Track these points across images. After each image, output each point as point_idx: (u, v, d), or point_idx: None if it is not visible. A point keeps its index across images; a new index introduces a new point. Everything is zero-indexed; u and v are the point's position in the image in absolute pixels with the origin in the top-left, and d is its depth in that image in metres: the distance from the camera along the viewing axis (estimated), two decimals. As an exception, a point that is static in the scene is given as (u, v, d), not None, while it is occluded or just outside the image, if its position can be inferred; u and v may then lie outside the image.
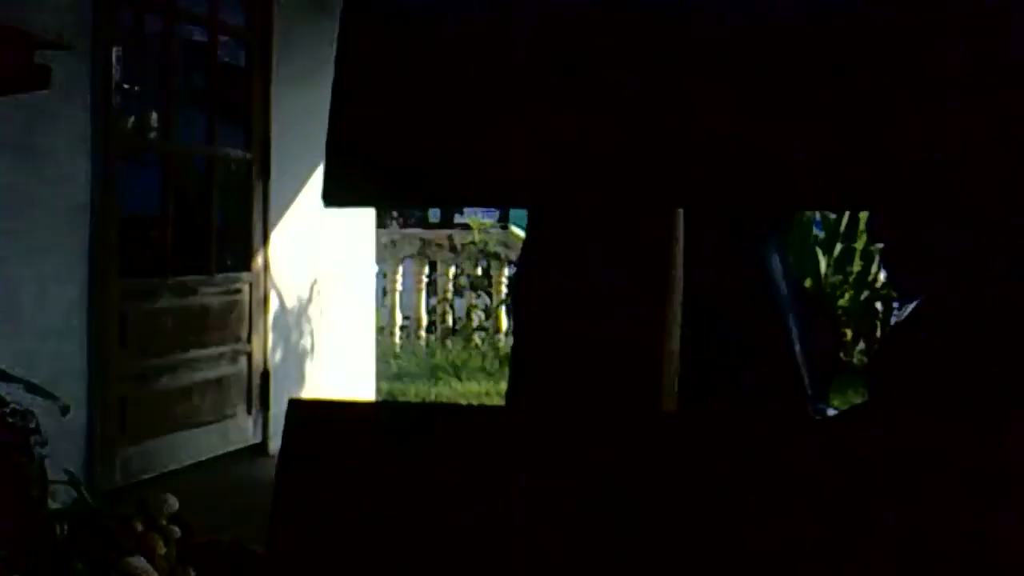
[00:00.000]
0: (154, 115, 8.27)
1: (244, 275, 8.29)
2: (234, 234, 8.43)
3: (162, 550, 5.19)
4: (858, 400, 6.04)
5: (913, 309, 5.33)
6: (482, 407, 1.31)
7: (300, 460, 1.13)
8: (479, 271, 13.92)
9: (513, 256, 12.95)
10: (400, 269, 13.80)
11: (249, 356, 8.32)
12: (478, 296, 13.95)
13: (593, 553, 1.02)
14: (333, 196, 1.20)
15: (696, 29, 1.21)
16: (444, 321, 13.93)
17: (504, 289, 13.32)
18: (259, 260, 8.36)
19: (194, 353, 7.76)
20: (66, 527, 4.87)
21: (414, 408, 1.18)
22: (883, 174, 1.11)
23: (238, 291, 8.22)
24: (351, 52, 1.20)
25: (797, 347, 6.08)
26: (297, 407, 1.15)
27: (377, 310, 11.65)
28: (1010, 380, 4.90)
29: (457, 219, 17.48)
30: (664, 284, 1.10)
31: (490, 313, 13.62)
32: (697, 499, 1.01)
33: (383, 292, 13.45)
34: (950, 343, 5.11)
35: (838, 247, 12.04)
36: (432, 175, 1.20)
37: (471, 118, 1.20)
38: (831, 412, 6.12)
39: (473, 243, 13.79)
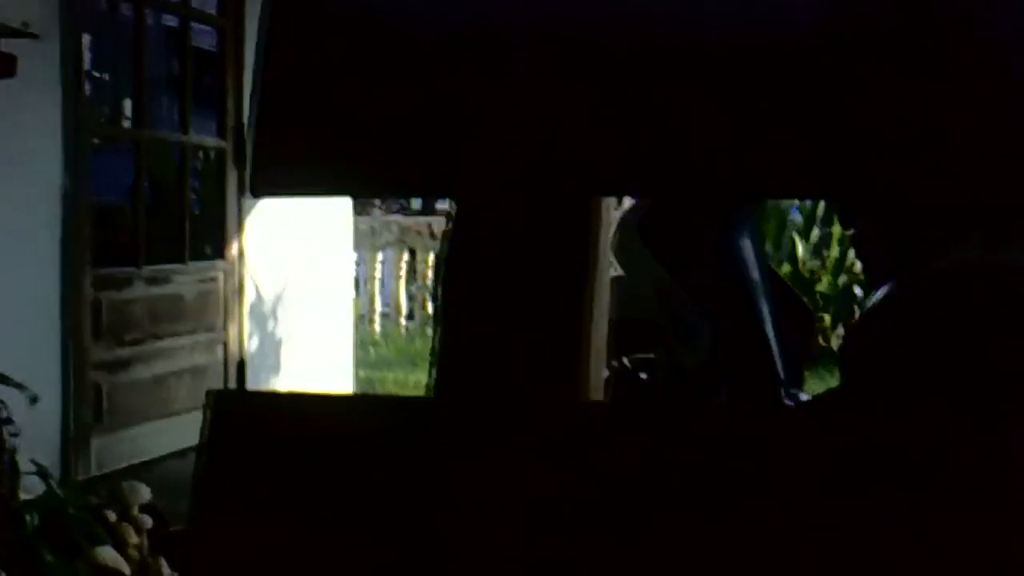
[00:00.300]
0: (128, 103, 8.24)
1: (219, 263, 8.27)
2: (209, 222, 8.41)
3: (134, 540, 5.18)
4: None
5: (883, 294, 5.35)
6: (405, 398, 1.30)
7: (221, 455, 1.11)
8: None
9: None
10: (380, 256, 13.78)
11: (225, 345, 8.30)
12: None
13: (511, 546, 1.01)
14: (261, 186, 1.19)
15: (637, 18, 1.20)
16: (424, 308, 13.92)
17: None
18: (234, 248, 8.33)
19: (169, 342, 7.74)
20: (36, 517, 4.85)
21: (339, 399, 1.17)
22: (850, 163, 1.11)
23: (213, 279, 8.20)
24: (276, 39, 1.19)
25: (771, 333, 6.10)
26: (218, 399, 1.14)
27: (356, 298, 11.64)
28: (979, 365, 4.91)
29: (440, 206, 17.47)
30: (583, 275, 1.09)
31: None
32: (614, 491, 1.00)
33: (364, 280, 13.43)
34: (920, 328, 5.13)
35: (815, 232, 12.05)
36: (360, 165, 1.19)
37: (398, 108, 1.19)
38: (804, 397, 6.15)
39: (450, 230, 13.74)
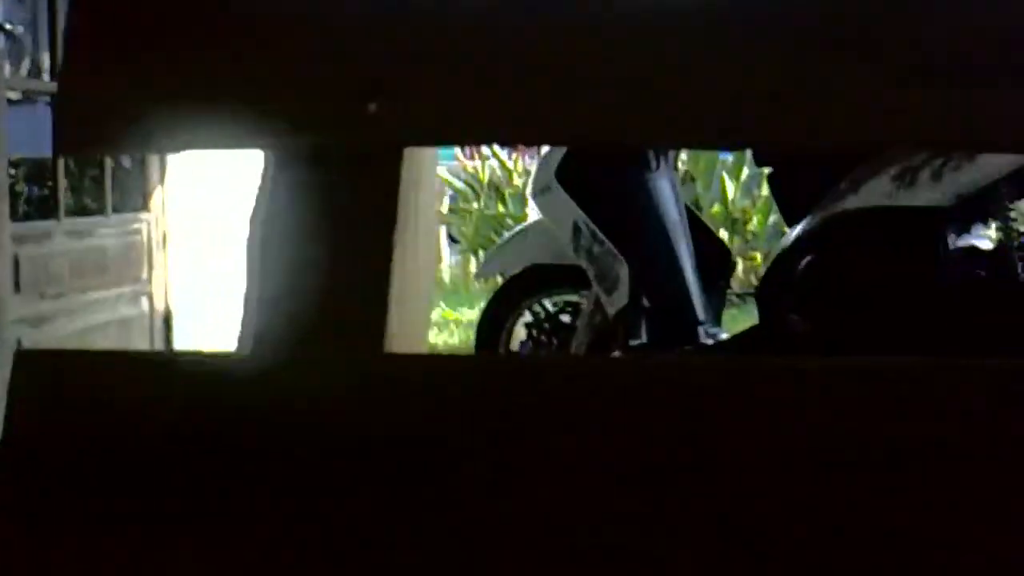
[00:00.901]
0: (47, 56, 8.14)
1: (143, 215, 8.21)
2: (132, 173, 8.34)
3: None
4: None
5: (796, 234, 5.40)
6: (215, 353, 1.27)
7: (26, 419, 1.10)
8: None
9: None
10: (312, 204, 13.69)
11: (150, 297, 8.26)
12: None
13: (311, 504, 1.02)
14: (63, 146, 1.18)
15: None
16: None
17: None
18: (158, 199, 8.27)
19: (92, 295, 7.69)
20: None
21: (148, 356, 1.15)
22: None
23: (137, 232, 8.14)
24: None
25: (688, 272, 6.14)
26: (20, 361, 1.12)
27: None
28: (886, 300, 4.96)
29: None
30: (386, 226, 1.08)
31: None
32: (410, 445, 1.00)
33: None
34: (829, 266, 5.18)
35: (745, 172, 12.07)
36: (167, 119, 1.18)
37: (202, 62, 1.18)
38: (723, 335, 6.18)
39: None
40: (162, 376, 1.15)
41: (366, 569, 0.96)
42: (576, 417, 0.98)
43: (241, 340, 1.13)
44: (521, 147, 13.55)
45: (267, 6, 1.21)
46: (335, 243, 1.10)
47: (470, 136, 1.17)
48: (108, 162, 7.94)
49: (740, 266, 10.72)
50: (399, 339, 1.11)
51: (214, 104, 1.18)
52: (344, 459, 1.00)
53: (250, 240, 1.12)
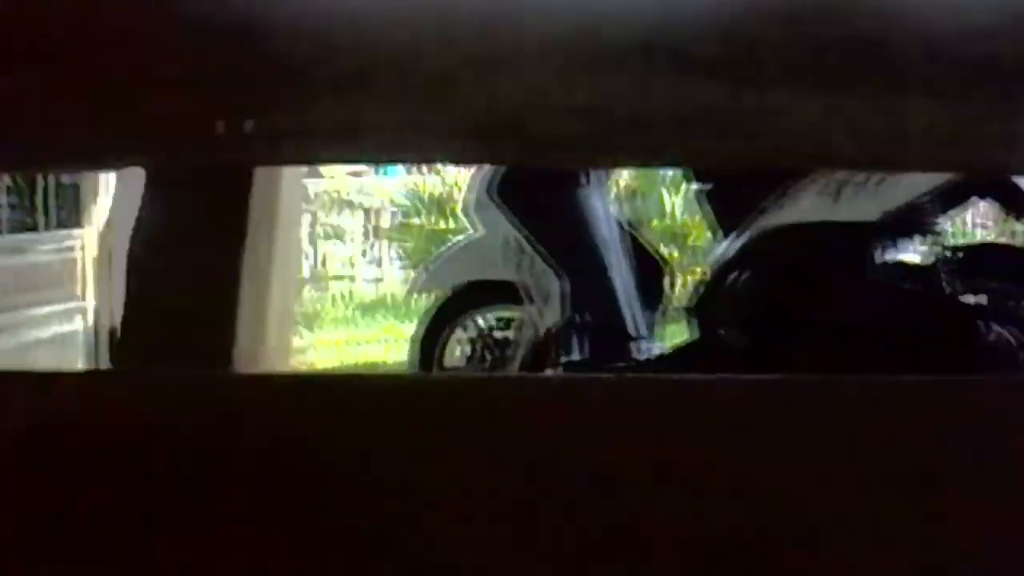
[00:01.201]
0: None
1: (80, 231, 8.16)
2: (71, 189, 8.29)
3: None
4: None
5: (729, 250, 5.43)
6: (76, 372, 1.27)
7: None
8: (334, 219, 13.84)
9: (367, 204, 12.98)
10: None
11: (90, 314, 8.21)
12: (334, 244, 13.88)
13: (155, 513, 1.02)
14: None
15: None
16: (300, 271, 13.82)
17: (361, 238, 13.33)
18: (96, 214, 8.22)
19: (30, 312, 7.64)
20: None
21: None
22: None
23: (78, 248, 8.09)
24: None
25: (621, 288, 6.15)
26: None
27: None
28: (819, 316, 5.00)
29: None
30: (235, 246, 1.09)
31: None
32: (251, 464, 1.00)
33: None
34: (761, 281, 5.21)
35: (689, 186, 12.07)
36: (28, 140, 1.18)
37: (62, 81, 1.18)
38: (657, 351, 6.20)
39: (326, 192, 13.69)
40: (12, 393, 1.14)
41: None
42: (416, 438, 0.98)
43: (99, 355, 1.13)
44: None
45: (124, 23, 1.21)
46: (184, 262, 1.11)
47: (325, 156, 1.17)
48: (42, 179, 7.89)
49: (680, 281, 10.73)
50: (251, 358, 1.11)
51: (72, 124, 1.18)
52: (178, 479, 1.00)
53: (105, 259, 1.12)
